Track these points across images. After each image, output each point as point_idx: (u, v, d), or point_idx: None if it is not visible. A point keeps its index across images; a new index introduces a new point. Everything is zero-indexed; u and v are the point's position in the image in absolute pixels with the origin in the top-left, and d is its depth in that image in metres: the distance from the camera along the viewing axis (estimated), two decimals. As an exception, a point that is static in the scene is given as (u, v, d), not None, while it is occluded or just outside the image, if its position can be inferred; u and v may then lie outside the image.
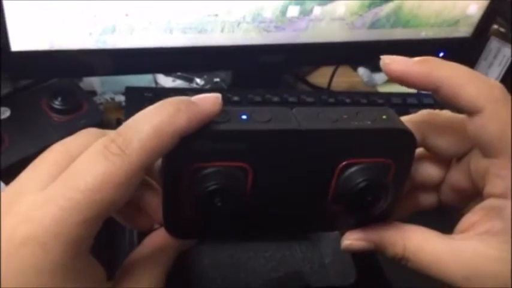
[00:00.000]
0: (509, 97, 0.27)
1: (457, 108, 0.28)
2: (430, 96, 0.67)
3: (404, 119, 0.30)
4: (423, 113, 0.32)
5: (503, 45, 0.75)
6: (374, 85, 0.80)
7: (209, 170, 0.26)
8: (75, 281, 0.24)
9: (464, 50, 0.73)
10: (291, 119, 0.27)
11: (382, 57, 0.28)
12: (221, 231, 0.31)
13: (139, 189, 0.30)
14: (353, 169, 0.28)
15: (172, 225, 0.29)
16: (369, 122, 0.28)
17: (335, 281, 0.43)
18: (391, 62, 0.28)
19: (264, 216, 0.30)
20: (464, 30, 0.70)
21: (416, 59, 0.28)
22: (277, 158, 0.27)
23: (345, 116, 0.28)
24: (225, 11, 0.57)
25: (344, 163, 0.28)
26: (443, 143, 0.31)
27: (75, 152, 0.25)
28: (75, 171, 0.24)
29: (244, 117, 0.27)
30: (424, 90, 0.28)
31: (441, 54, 0.71)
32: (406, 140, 0.29)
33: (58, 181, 0.23)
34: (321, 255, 0.46)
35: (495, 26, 0.76)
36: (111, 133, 0.25)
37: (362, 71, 0.81)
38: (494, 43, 0.76)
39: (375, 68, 0.81)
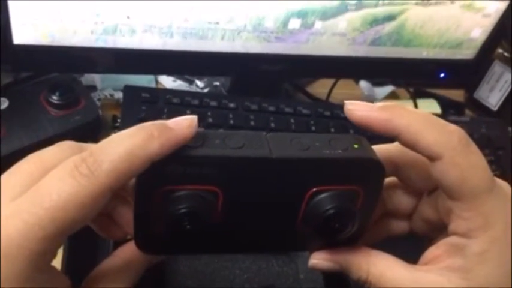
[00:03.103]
0: (470, 141, 0.28)
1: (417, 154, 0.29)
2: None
3: (378, 148, 0.30)
4: (397, 144, 0.32)
5: (506, 69, 0.75)
6: (374, 99, 0.80)
7: (180, 193, 0.27)
8: None
9: (466, 72, 0.72)
10: (264, 145, 0.28)
11: (345, 102, 0.29)
12: (191, 248, 0.31)
13: (113, 201, 0.31)
14: (322, 196, 0.29)
15: (142, 241, 0.29)
16: (340, 151, 0.29)
17: (307, 298, 0.44)
18: (353, 108, 0.29)
19: (234, 236, 0.31)
20: (467, 53, 0.70)
21: (378, 105, 0.29)
22: (248, 183, 0.28)
23: (317, 144, 0.29)
24: (226, 19, 0.57)
25: (313, 189, 0.29)
26: (414, 176, 0.32)
27: (49, 164, 0.25)
28: (43, 187, 0.24)
29: (217, 141, 0.27)
30: (386, 136, 0.29)
31: (442, 75, 0.71)
32: (375, 169, 0.29)
33: (26, 195, 0.24)
34: (297, 271, 0.47)
35: (499, 50, 0.75)
36: (84, 151, 0.25)
37: (363, 84, 0.81)
38: (497, 67, 0.76)
39: (377, 82, 0.82)
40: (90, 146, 0.26)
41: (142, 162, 0.25)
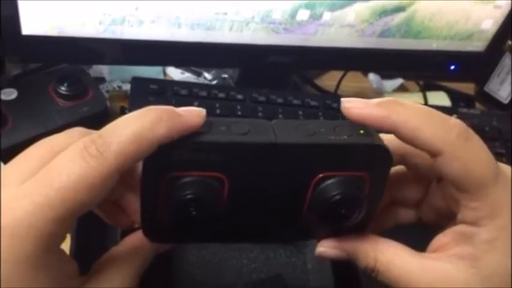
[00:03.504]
0: (470, 133, 0.28)
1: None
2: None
3: (385, 136, 0.30)
4: None
5: (517, 62, 0.74)
6: (383, 92, 0.79)
7: (186, 180, 0.27)
8: (46, 274, 0.25)
9: (476, 64, 0.72)
10: (269, 131, 0.28)
11: (342, 99, 0.29)
12: (197, 237, 0.31)
13: (121, 188, 0.31)
14: (329, 182, 0.29)
15: (149, 229, 0.29)
16: (345, 137, 0.28)
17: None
18: (350, 105, 0.29)
19: (239, 224, 0.31)
20: (477, 45, 0.69)
21: (375, 101, 0.28)
22: (254, 170, 0.28)
23: (322, 130, 0.29)
24: (234, 10, 0.57)
25: (320, 176, 0.29)
26: (421, 165, 0.32)
27: (58, 149, 0.26)
28: (53, 168, 0.24)
29: (223, 128, 0.27)
30: (384, 132, 0.29)
31: (452, 68, 0.71)
32: (381, 155, 0.29)
33: (36, 177, 0.24)
34: (304, 261, 0.47)
35: (510, 42, 0.75)
36: (93, 134, 0.25)
37: (372, 76, 0.80)
38: (508, 59, 0.76)
39: (386, 74, 0.81)
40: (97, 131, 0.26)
41: (150, 144, 0.25)
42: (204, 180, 0.27)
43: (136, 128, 0.25)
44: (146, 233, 0.29)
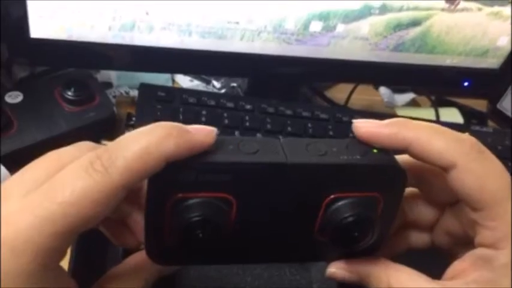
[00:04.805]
0: (483, 148, 0.27)
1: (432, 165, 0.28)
2: (448, 127, 0.65)
3: (398, 157, 0.29)
4: None
5: (532, 80, 0.73)
6: (393, 106, 0.78)
7: (193, 201, 0.26)
8: None
9: (490, 81, 0.70)
10: (278, 151, 0.27)
11: (353, 121, 0.29)
12: (203, 259, 0.30)
13: (128, 207, 0.30)
14: (341, 203, 0.28)
15: (153, 250, 0.28)
16: (358, 156, 0.28)
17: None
18: (361, 125, 0.29)
19: (248, 245, 0.30)
20: (492, 62, 0.68)
21: (386, 121, 0.28)
22: (263, 190, 0.27)
23: (334, 149, 0.28)
24: (246, 19, 0.56)
25: (332, 196, 0.28)
26: (435, 188, 0.31)
27: (65, 162, 0.25)
28: (57, 182, 0.24)
29: (231, 147, 0.26)
30: (396, 150, 0.28)
31: (465, 84, 0.69)
32: (396, 175, 0.28)
33: (40, 189, 0.24)
34: (310, 280, 0.45)
35: (526, 60, 0.73)
36: (100, 148, 0.25)
37: (383, 90, 0.79)
38: (523, 77, 0.74)
39: (397, 88, 0.80)
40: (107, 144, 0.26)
41: (157, 160, 0.24)
42: (212, 201, 0.26)
43: (143, 143, 0.24)
44: (150, 254, 0.28)
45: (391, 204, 0.29)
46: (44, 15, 0.51)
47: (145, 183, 0.26)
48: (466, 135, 0.28)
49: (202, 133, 0.26)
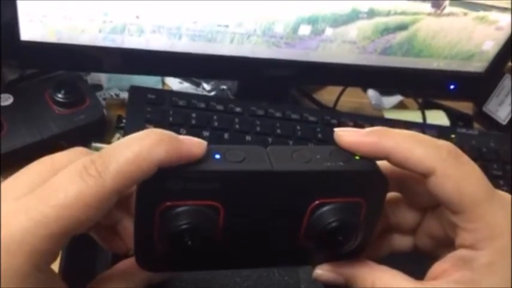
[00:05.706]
0: (460, 153, 0.28)
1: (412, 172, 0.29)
2: (435, 129, 0.66)
3: (379, 162, 0.30)
4: None
5: (516, 84, 0.74)
6: (381, 109, 0.79)
7: (181, 209, 0.26)
8: None
9: (476, 85, 0.72)
10: (264, 159, 0.28)
11: (335, 129, 0.30)
12: (192, 265, 0.31)
13: (119, 214, 0.30)
14: (325, 209, 0.29)
15: (142, 257, 0.29)
16: (341, 163, 0.28)
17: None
18: (343, 134, 0.29)
19: (236, 251, 0.30)
20: (477, 65, 0.69)
21: (367, 130, 0.29)
22: (250, 198, 0.28)
23: (318, 156, 0.28)
24: (236, 22, 0.57)
25: (316, 202, 0.29)
26: (416, 192, 0.32)
27: (59, 167, 0.26)
28: (51, 185, 0.24)
29: (217, 156, 0.27)
30: (377, 159, 0.29)
31: (451, 87, 0.70)
32: (378, 181, 0.29)
33: (34, 193, 0.24)
34: (298, 280, 0.46)
35: (510, 64, 0.74)
36: (94, 154, 0.26)
37: (371, 93, 0.80)
38: (507, 81, 0.75)
39: (385, 91, 0.81)
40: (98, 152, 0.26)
41: (149, 165, 0.25)
42: (200, 209, 0.27)
43: (135, 148, 0.25)
44: (139, 262, 0.29)
45: (374, 209, 0.30)
46: (34, 17, 0.52)
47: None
48: (443, 142, 0.29)
49: (193, 143, 0.26)
